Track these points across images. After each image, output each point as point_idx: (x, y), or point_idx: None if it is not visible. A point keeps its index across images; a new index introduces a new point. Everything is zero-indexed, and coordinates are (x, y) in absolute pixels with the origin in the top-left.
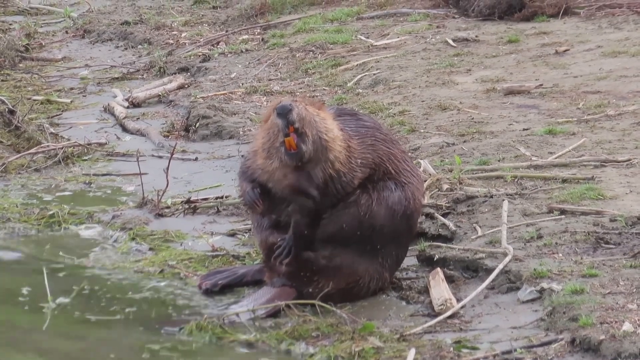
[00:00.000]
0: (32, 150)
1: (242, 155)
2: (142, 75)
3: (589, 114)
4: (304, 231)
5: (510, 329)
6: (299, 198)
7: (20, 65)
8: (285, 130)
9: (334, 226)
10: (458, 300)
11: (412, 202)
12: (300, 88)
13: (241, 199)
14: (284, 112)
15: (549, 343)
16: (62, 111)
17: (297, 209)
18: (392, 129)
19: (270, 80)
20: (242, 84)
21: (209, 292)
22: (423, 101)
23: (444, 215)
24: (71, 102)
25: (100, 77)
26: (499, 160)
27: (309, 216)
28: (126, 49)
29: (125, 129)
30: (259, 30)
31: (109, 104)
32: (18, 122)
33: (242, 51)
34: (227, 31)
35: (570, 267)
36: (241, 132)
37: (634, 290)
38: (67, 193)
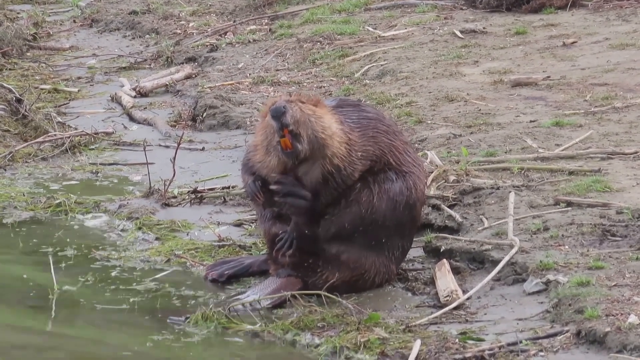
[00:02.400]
0: (39, 139)
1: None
2: (150, 64)
3: (596, 106)
4: (305, 231)
5: (515, 320)
6: (289, 200)
7: (28, 54)
8: (280, 132)
9: (337, 226)
10: (464, 292)
11: (414, 192)
12: (308, 79)
13: (244, 190)
14: (277, 115)
15: (554, 335)
16: (70, 100)
17: (292, 211)
18: (399, 120)
19: (277, 70)
20: (250, 74)
21: (215, 282)
22: (430, 92)
23: (451, 206)
24: (78, 91)
25: (107, 67)
26: (505, 152)
27: (306, 215)
28: (134, 38)
29: (132, 119)
30: (266, 21)
31: (116, 94)
32: (25, 111)
33: (249, 41)
34: (234, 21)
35: (576, 259)
36: (248, 122)
37: None
38: (74, 182)
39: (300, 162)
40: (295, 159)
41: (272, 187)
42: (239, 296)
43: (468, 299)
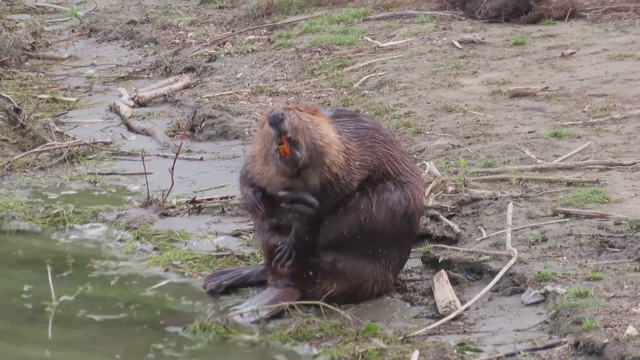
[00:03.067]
0: (38, 149)
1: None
2: (148, 74)
3: (594, 117)
4: (305, 238)
5: (514, 331)
6: (297, 206)
7: (27, 63)
8: (278, 139)
9: (335, 233)
10: (462, 303)
11: (412, 202)
12: (306, 89)
13: (243, 202)
14: (275, 122)
15: (552, 346)
16: (68, 110)
17: (297, 217)
18: (397, 131)
19: (276, 80)
20: (248, 84)
21: (213, 293)
22: (429, 103)
23: (449, 217)
24: (77, 101)
25: (106, 76)
26: (504, 163)
27: (309, 223)
28: (132, 48)
29: (130, 129)
30: (265, 31)
31: (114, 103)
32: (24, 120)
33: (248, 51)
34: (233, 31)
35: (574, 270)
36: (247, 133)
37: (638, 293)
38: (72, 192)
39: (299, 171)
40: (294, 166)
41: (281, 193)
42: (237, 306)
43: (466, 309)
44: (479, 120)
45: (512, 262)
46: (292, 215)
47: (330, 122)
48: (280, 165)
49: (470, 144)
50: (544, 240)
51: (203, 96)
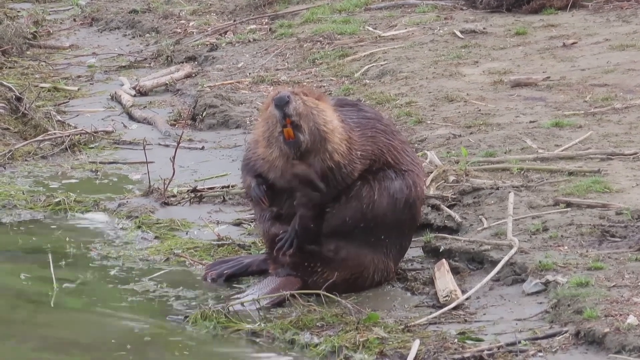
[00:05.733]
0: (39, 138)
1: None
2: (150, 63)
3: (596, 107)
4: (310, 224)
5: (514, 320)
6: (306, 190)
7: (28, 52)
8: (283, 121)
9: (337, 220)
10: (463, 292)
11: (414, 190)
12: (308, 78)
13: (244, 191)
14: (281, 104)
15: (553, 335)
16: (69, 99)
17: (303, 202)
18: (398, 120)
19: (277, 70)
20: (249, 73)
21: (214, 281)
22: (430, 92)
23: (450, 206)
24: (78, 89)
25: (107, 65)
26: (505, 152)
27: (315, 209)
28: (134, 37)
29: (132, 118)
30: (266, 20)
31: (116, 92)
32: (25, 109)
33: (249, 41)
34: (234, 20)
35: (575, 260)
36: (248, 122)
37: (639, 283)
38: (73, 181)
39: (301, 156)
40: (297, 149)
41: (295, 170)
42: (238, 295)
43: (467, 299)
44: (480, 110)
45: (513, 251)
46: (298, 200)
47: (334, 109)
48: (284, 148)
49: (471, 133)
50: (545, 229)
51: (204, 85)
